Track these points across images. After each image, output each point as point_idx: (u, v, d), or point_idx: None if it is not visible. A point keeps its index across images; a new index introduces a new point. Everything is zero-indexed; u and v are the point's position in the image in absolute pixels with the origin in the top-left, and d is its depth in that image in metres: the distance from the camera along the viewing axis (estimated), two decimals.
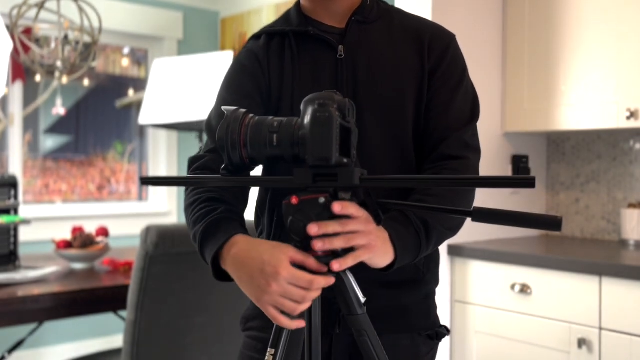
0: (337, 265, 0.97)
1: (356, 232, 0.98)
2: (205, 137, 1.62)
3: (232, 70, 1.31)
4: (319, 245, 0.95)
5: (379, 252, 1.04)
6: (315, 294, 0.98)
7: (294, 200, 0.94)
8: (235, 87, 1.27)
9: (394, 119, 1.22)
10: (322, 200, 0.94)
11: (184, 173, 1.29)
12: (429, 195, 1.17)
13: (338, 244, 0.97)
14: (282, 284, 0.96)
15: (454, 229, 1.22)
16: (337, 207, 0.96)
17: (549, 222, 0.91)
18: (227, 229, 1.08)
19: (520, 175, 0.90)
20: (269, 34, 1.29)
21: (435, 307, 1.33)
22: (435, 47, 1.27)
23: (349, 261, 0.98)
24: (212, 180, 1.07)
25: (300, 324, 0.99)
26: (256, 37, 1.31)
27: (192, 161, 1.25)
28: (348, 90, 1.21)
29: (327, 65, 1.24)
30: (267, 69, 1.26)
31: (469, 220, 0.96)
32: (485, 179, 0.92)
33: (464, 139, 1.24)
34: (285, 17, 1.32)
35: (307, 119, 0.93)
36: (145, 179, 1.06)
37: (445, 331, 1.31)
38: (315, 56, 1.25)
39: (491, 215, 0.94)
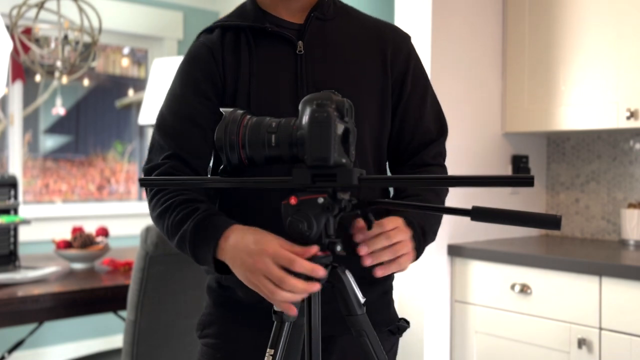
0: (380, 272, 1.02)
1: (400, 242, 1.04)
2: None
3: (184, 65, 1.26)
4: (367, 262, 1.00)
5: (413, 259, 1.09)
6: (301, 286, 0.96)
7: (293, 200, 0.94)
8: (187, 83, 1.23)
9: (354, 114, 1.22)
10: (320, 200, 0.94)
11: None
12: (419, 195, 1.22)
13: (386, 256, 1.02)
14: (266, 261, 0.97)
15: (436, 234, 1.28)
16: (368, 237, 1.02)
17: (548, 221, 0.91)
18: (219, 222, 1.07)
19: (519, 174, 0.90)
20: (223, 28, 1.25)
21: (393, 302, 1.35)
22: (398, 50, 1.29)
23: (393, 267, 1.04)
24: (210, 181, 1.07)
25: (291, 310, 0.97)
26: (208, 30, 1.27)
27: (149, 172, 1.18)
28: (308, 86, 1.20)
29: (286, 61, 1.22)
30: (221, 63, 1.22)
31: (469, 220, 0.96)
32: (485, 177, 0.93)
33: (440, 148, 1.32)
34: (240, 11, 1.28)
35: (305, 119, 0.93)
36: (143, 180, 1.06)
37: (405, 324, 1.32)
38: (274, 52, 1.23)
39: (490, 214, 0.94)
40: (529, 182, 0.87)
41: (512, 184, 0.90)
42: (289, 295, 0.96)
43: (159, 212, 1.15)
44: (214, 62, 1.23)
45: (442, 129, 1.33)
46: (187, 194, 1.14)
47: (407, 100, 1.29)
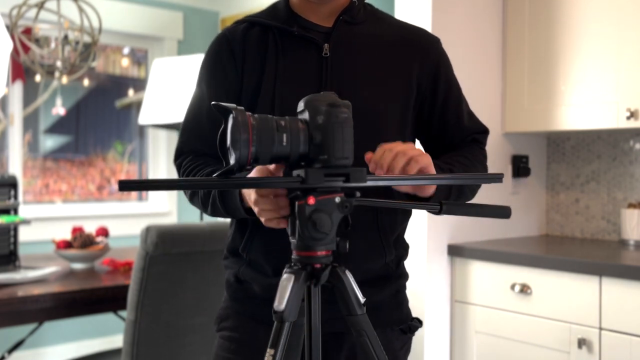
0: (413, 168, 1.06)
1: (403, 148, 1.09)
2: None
3: (205, 62, 1.32)
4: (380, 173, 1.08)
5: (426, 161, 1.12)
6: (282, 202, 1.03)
7: (311, 200, 0.94)
8: (209, 84, 1.30)
9: (373, 121, 1.23)
10: (338, 199, 0.94)
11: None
12: (463, 157, 1.29)
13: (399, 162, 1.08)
14: (256, 200, 1.05)
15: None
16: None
17: (500, 212, 1.07)
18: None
19: (489, 173, 1.13)
20: (251, 23, 1.29)
21: (407, 301, 1.36)
22: (427, 55, 1.31)
23: (412, 165, 1.08)
24: (215, 184, 1.04)
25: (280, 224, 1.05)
26: (239, 22, 1.32)
27: (177, 165, 1.33)
28: (331, 89, 1.21)
29: (311, 63, 1.24)
30: (241, 55, 1.26)
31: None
32: (461, 176, 1.10)
33: (479, 138, 1.38)
34: (272, 10, 1.31)
35: (320, 119, 0.93)
36: (123, 183, 0.90)
37: (417, 323, 1.33)
38: (300, 54, 1.25)
39: (456, 207, 1.06)
40: (498, 178, 1.03)
41: (484, 181, 1.06)
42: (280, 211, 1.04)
43: (189, 170, 1.26)
44: (232, 56, 1.27)
45: (480, 126, 1.37)
46: (209, 164, 1.24)
47: (444, 104, 1.32)
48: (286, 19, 1.27)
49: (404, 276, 1.35)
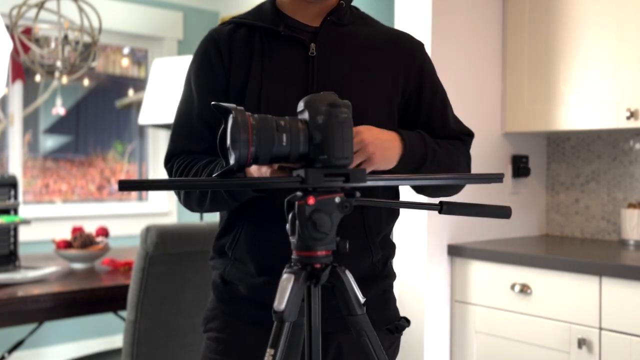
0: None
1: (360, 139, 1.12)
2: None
3: (194, 63, 1.31)
4: None
5: (382, 156, 1.15)
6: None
7: (311, 200, 0.94)
8: (197, 84, 1.30)
9: (359, 120, 1.22)
10: (337, 199, 0.94)
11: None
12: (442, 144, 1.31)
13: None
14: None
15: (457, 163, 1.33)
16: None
17: (500, 212, 1.07)
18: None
19: (489, 173, 1.12)
20: (237, 24, 1.29)
21: (394, 301, 1.36)
22: (412, 59, 1.32)
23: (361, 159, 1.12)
24: (215, 184, 1.04)
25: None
26: (224, 24, 1.32)
27: (168, 167, 1.31)
28: (318, 88, 1.22)
29: (297, 62, 1.24)
30: (227, 55, 1.26)
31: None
32: (461, 176, 1.12)
33: (464, 141, 1.38)
34: (258, 11, 1.31)
35: (320, 119, 0.93)
36: (123, 183, 0.89)
37: (405, 323, 1.34)
38: (286, 53, 1.25)
39: (456, 207, 1.06)
40: (498, 178, 1.03)
41: (484, 180, 1.05)
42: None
43: (182, 167, 1.25)
44: (219, 56, 1.26)
45: (465, 129, 1.38)
46: (203, 159, 1.23)
47: (429, 106, 1.33)
48: (272, 19, 1.27)
49: (391, 276, 1.35)
